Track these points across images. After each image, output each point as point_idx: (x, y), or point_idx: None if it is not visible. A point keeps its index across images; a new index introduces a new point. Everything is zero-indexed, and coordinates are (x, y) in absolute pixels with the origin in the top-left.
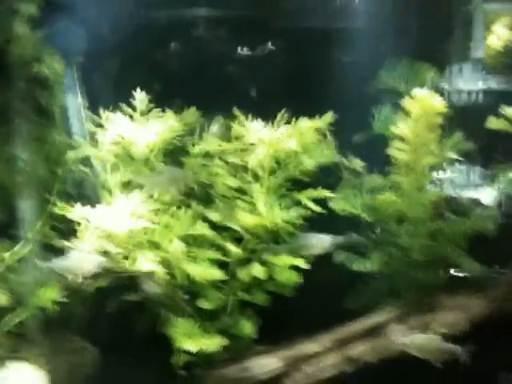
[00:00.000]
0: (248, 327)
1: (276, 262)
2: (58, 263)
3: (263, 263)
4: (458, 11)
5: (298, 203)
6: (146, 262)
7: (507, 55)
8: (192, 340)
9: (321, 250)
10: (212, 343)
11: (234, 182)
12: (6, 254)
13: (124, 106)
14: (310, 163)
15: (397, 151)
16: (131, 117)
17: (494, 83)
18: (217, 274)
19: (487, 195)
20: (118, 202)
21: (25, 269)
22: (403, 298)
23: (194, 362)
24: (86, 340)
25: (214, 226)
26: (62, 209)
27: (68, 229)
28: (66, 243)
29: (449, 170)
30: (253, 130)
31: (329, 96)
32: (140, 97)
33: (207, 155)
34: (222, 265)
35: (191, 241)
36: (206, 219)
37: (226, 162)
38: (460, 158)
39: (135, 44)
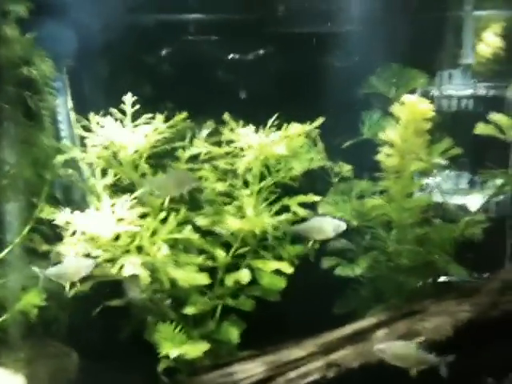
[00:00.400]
0: (232, 332)
1: (262, 267)
2: (54, 270)
3: (250, 268)
4: (447, 17)
5: (287, 208)
6: (130, 267)
7: (496, 62)
8: (175, 345)
9: (332, 234)
10: (195, 349)
11: (222, 187)
12: None
13: (113, 110)
14: (298, 168)
15: (385, 156)
16: (121, 121)
17: (483, 89)
18: (201, 278)
19: (475, 201)
20: (105, 206)
21: (8, 273)
22: (390, 304)
23: (178, 368)
24: (68, 345)
25: (202, 231)
26: (48, 213)
27: (54, 233)
28: (51, 248)
29: (437, 175)
30: (243, 135)
31: (319, 101)
32: (130, 101)
33: (197, 160)
34: (208, 270)
35: (178, 246)
36: (193, 224)
37: (216, 167)
38: (448, 164)
39: (126, 47)
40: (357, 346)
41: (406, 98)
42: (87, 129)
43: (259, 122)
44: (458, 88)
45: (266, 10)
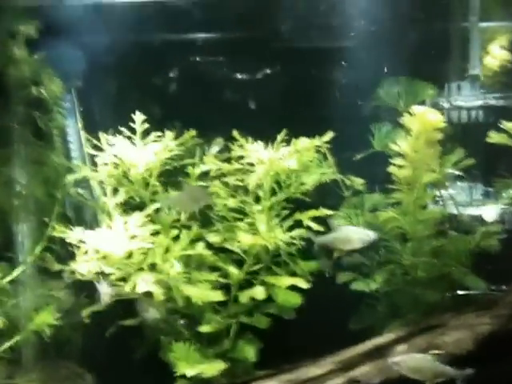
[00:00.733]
0: (248, 351)
1: (276, 283)
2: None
3: (264, 284)
4: (454, 28)
5: (299, 223)
6: (144, 284)
7: (503, 74)
8: (190, 365)
9: (360, 244)
10: (211, 368)
11: (234, 203)
12: (4, 278)
13: (123, 129)
14: (310, 182)
15: (397, 168)
16: (130, 139)
17: (492, 100)
18: (215, 295)
19: (489, 212)
20: (117, 224)
21: (22, 292)
22: (408, 318)
23: None
24: (82, 366)
25: (214, 247)
26: (60, 232)
27: (67, 252)
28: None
29: (450, 186)
30: (253, 150)
31: (328, 115)
32: (139, 119)
33: (207, 177)
34: (222, 287)
35: (191, 263)
36: (206, 241)
37: (226, 184)
38: (461, 175)
39: (134, 67)
40: (377, 363)
41: (416, 109)
42: (97, 148)
43: (268, 138)
44: (466, 99)
45: (272, 26)
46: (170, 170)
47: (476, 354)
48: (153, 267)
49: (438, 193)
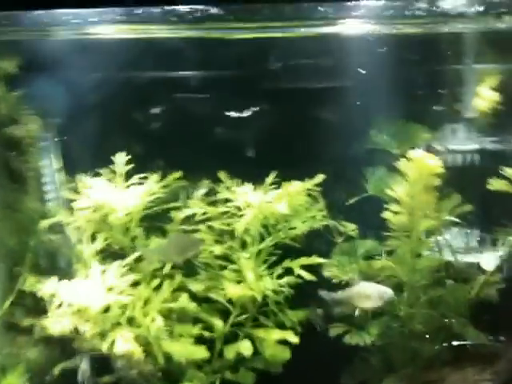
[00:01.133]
0: None
1: (264, 337)
2: None
3: (250, 337)
4: (447, 71)
5: (288, 271)
6: (122, 342)
7: (498, 116)
8: None
9: (378, 303)
10: None
11: (219, 250)
12: None
13: (103, 171)
14: (300, 227)
15: (392, 214)
16: (111, 181)
17: (488, 143)
18: (200, 352)
19: (488, 260)
20: (94, 274)
21: None
22: (404, 373)
23: None
24: None
25: (196, 297)
26: (32, 284)
27: (37, 306)
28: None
29: (446, 233)
30: (240, 193)
31: (318, 157)
32: (121, 160)
33: (191, 220)
34: (205, 341)
35: (172, 315)
36: (188, 291)
37: (211, 228)
38: (458, 221)
39: (118, 106)
40: None
41: (413, 153)
42: (76, 191)
43: (256, 181)
44: (462, 143)
45: (262, 65)
46: (152, 214)
47: None
48: (131, 321)
49: (433, 239)
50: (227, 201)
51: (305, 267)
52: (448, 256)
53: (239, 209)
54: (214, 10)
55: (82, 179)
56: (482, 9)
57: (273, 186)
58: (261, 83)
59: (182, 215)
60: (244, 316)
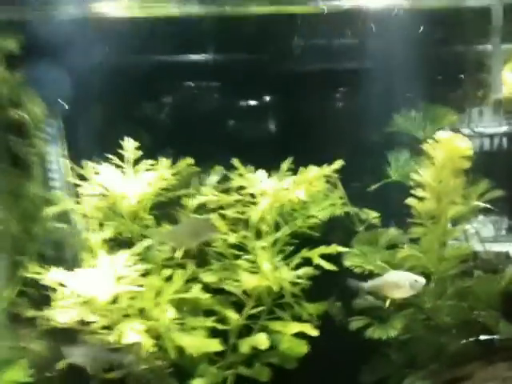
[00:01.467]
0: None
1: (282, 330)
2: None
3: (265, 330)
4: (475, 51)
5: (306, 260)
6: (131, 334)
7: None
8: None
9: (410, 292)
10: None
11: (234, 239)
12: None
13: (111, 157)
14: (320, 215)
15: (418, 201)
16: (119, 167)
17: None
18: (214, 345)
19: None
20: (102, 263)
21: None
22: (429, 370)
23: None
24: None
25: (210, 288)
26: (34, 273)
27: (42, 296)
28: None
29: (474, 220)
30: (255, 180)
31: (337, 143)
32: (130, 146)
33: (204, 209)
34: (218, 334)
35: (184, 306)
36: (201, 281)
37: (225, 216)
38: (490, 207)
39: (126, 90)
40: None
41: (441, 135)
42: (82, 177)
43: (271, 168)
44: (489, 125)
45: (276, 48)
46: (164, 201)
47: None
48: (141, 313)
49: (461, 227)
50: (241, 188)
51: (323, 257)
52: (475, 245)
53: (253, 196)
54: None
55: (90, 165)
56: None
57: (289, 173)
58: (278, 65)
59: (194, 203)
60: (259, 308)
